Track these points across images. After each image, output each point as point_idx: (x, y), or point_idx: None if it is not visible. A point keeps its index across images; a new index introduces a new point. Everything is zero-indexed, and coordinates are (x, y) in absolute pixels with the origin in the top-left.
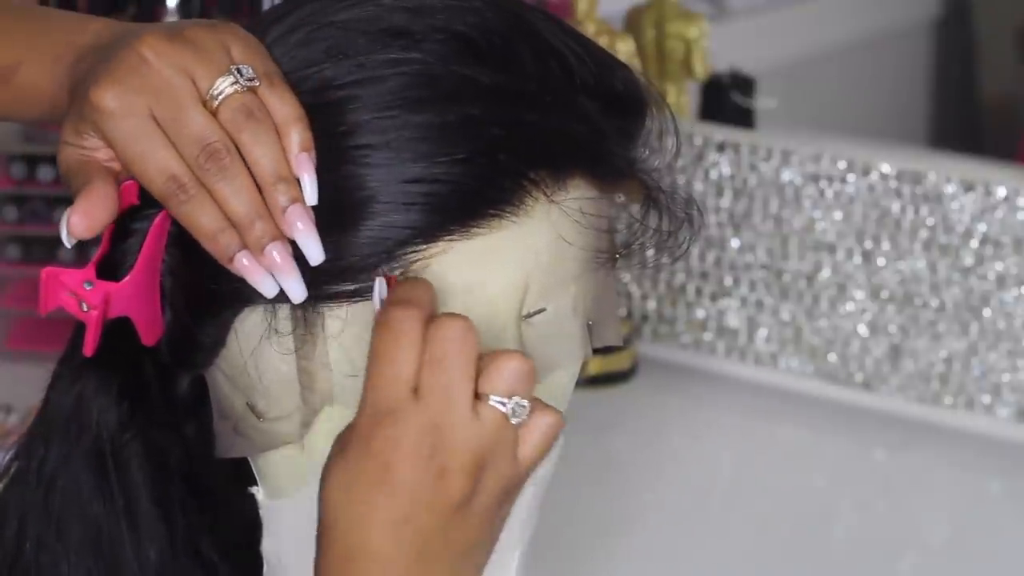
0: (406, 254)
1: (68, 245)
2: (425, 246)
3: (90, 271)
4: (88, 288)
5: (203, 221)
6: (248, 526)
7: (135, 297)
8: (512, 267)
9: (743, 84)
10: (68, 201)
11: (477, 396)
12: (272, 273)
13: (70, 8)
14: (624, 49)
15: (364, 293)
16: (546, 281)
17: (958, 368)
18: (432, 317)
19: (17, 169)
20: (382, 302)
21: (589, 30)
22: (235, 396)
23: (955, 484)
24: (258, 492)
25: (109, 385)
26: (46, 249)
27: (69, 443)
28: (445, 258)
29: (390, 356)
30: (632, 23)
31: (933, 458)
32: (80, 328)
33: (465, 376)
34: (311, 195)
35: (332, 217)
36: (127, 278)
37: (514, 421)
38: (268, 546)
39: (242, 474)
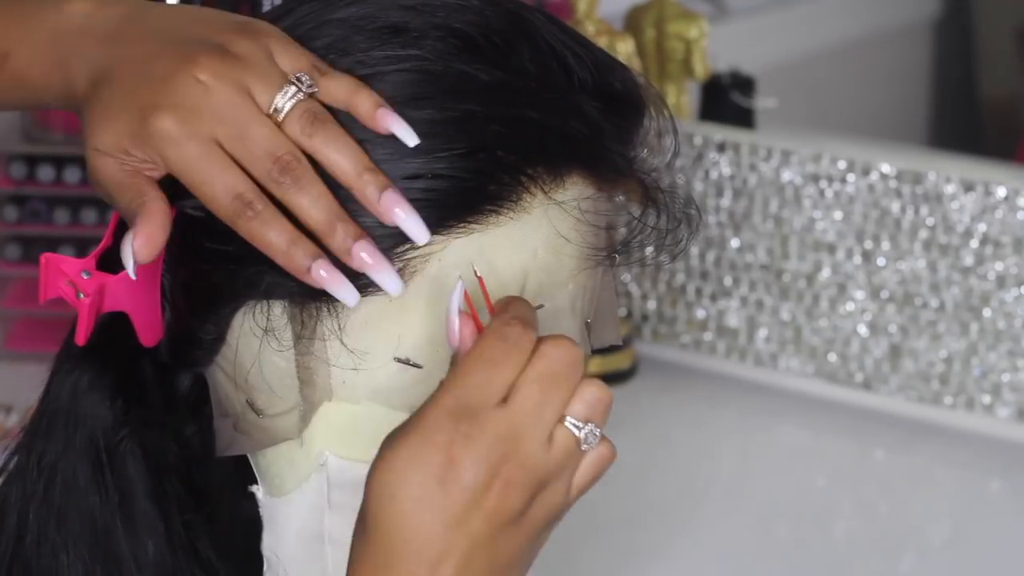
0: (405, 250)
1: (132, 274)
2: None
3: (90, 261)
4: (85, 277)
5: (272, 237)
6: (247, 527)
7: (134, 293)
8: (510, 263)
9: (743, 84)
10: (68, 201)
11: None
12: (365, 272)
13: None
14: (624, 49)
15: (363, 288)
16: (544, 278)
17: (958, 368)
18: (540, 336)
19: (17, 169)
20: (458, 309)
21: (589, 30)
22: (235, 394)
23: (955, 484)
24: (258, 491)
25: (103, 381)
26: (46, 249)
27: (67, 436)
28: (443, 254)
29: (494, 362)
30: (632, 23)
31: (933, 458)
32: (77, 320)
33: (564, 400)
34: (410, 138)
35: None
36: (125, 271)
37: (584, 448)
38: (268, 545)
39: (242, 474)
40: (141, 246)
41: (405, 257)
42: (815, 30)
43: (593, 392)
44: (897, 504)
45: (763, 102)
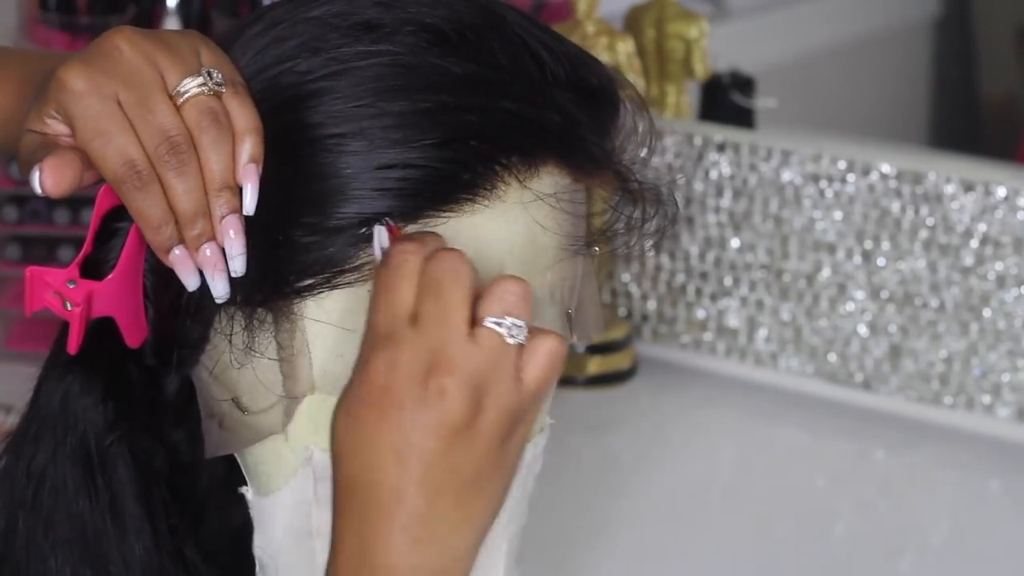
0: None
1: (38, 190)
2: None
3: (73, 270)
4: (71, 287)
5: (151, 211)
6: (236, 533)
7: (118, 296)
8: (486, 252)
9: (743, 84)
10: (67, 201)
11: (475, 321)
12: (202, 268)
13: (71, 6)
14: (624, 49)
15: (341, 280)
16: (521, 267)
17: (958, 368)
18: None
19: (17, 169)
20: (383, 251)
21: (589, 30)
22: (220, 393)
23: (955, 484)
24: (248, 492)
25: (93, 385)
26: (46, 249)
27: (56, 441)
28: None
29: (389, 287)
30: (632, 23)
31: (933, 458)
32: (66, 327)
33: (461, 302)
34: (250, 205)
35: (308, 206)
36: (110, 276)
37: (511, 341)
38: (259, 545)
39: (231, 480)
40: (47, 176)
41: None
42: (815, 30)
43: (506, 287)
44: (897, 504)
45: (763, 102)
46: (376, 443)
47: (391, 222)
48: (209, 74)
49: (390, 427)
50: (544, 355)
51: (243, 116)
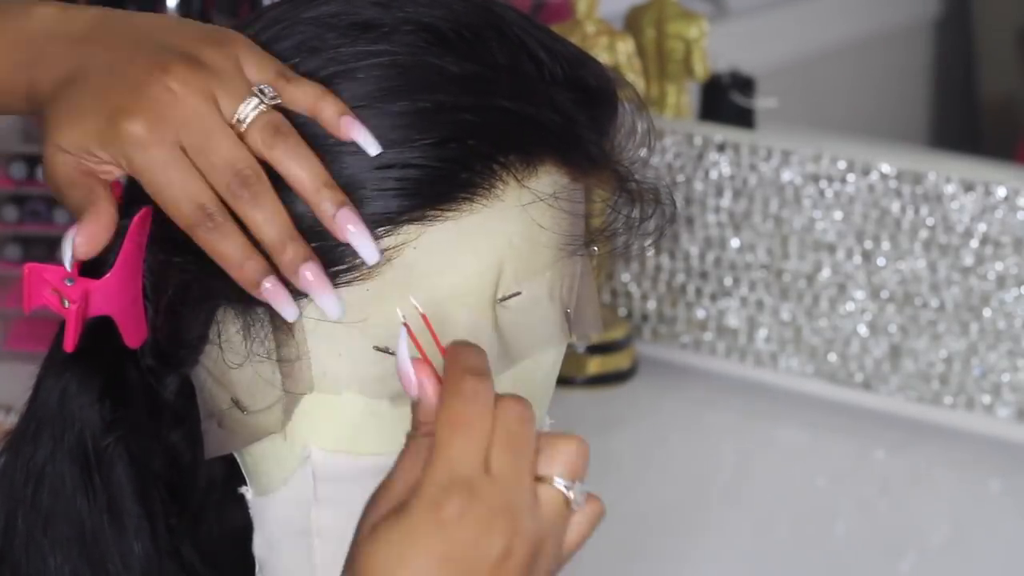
0: (379, 239)
1: (68, 267)
2: (398, 231)
3: (72, 268)
4: (69, 284)
5: (229, 250)
6: (235, 535)
7: (117, 295)
8: (485, 250)
9: (743, 84)
10: None
11: (539, 478)
12: (309, 292)
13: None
14: (624, 49)
15: (339, 280)
16: (520, 265)
17: (958, 368)
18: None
19: (17, 169)
20: (408, 356)
21: (589, 30)
22: (220, 392)
23: (955, 484)
24: (248, 492)
25: (90, 383)
26: (46, 249)
27: (54, 439)
28: (419, 242)
29: (468, 425)
30: (632, 23)
31: (933, 458)
32: (64, 326)
33: (531, 459)
34: (373, 146)
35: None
36: (108, 274)
37: (574, 508)
38: (259, 544)
39: (230, 481)
40: (83, 242)
41: (380, 246)
42: (815, 30)
43: (572, 448)
44: (897, 504)
45: (763, 102)
46: None
47: (417, 310)
48: (262, 91)
49: (449, 571)
50: (588, 523)
51: (305, 94)
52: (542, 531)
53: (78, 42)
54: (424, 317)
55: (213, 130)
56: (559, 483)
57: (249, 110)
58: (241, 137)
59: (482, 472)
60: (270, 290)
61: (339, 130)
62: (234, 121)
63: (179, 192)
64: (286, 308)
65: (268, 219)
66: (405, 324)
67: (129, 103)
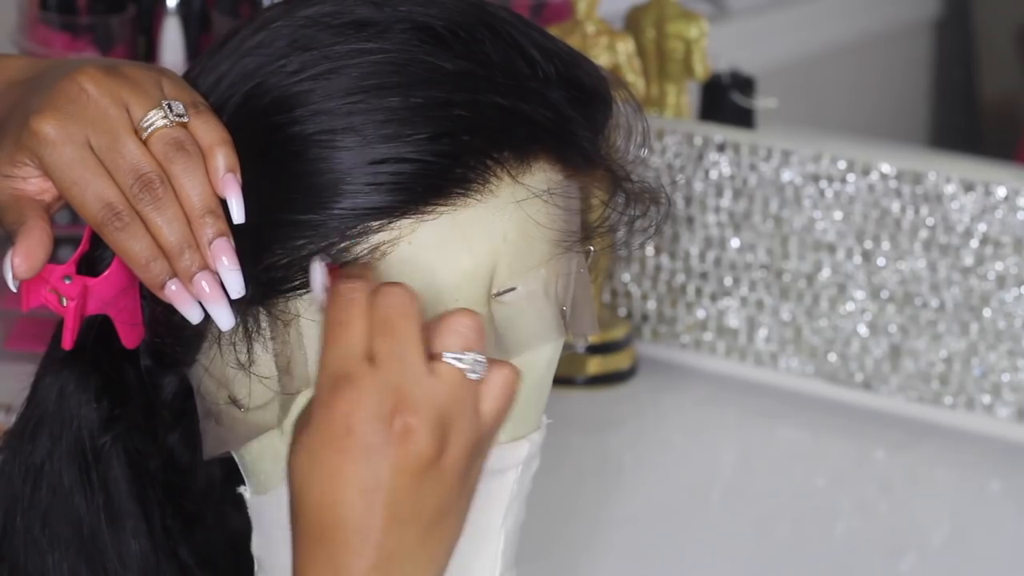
0: (374, 233)
1: (13, 288)
2: (392, 226)
3: (70, 267)
4: (67, 283)
5: (136, 249)
6: (233, 539)
7: (114, 294)
8: (479, 246)
9: (743, 84)
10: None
11: (432, 356)
12: (202, 301)
13: (71, 6)
14: (624, 49)
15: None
16: (515, 261)
17: (958, 368)
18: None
19: None
20: (323, 288)
21: (589, 30)
22: (217, 391)
23: (955, 484)
24: (246, 491)
25: (88, 382)
26: None
27: (52, 437)
28: (413, 237)
29: (342, 325)
30: (632, 23)
31: (933, 458)
32: (62, 324)
33: (415, 337)
34: (237, 214)
35: (301, 203)
36: (105, 273)
37: (472, 377)
38: (258, 544)
39: (228, 484)
40: (20, 261)
41: (374, 241)
42: (815, 30)
43: (461, 321)
44: (897, 504)
45: (763, 102)
46: (342, 482)
47: (328, 258)
48: (169, 106)
49: (357, 467)
50: (501, 388)
51: (208, 133)
52: (440, 405)
53: (26, 81)
54: (332, 267)
55: (120, 132)
56: (447, 356)
57: (155, 118)
58: (145, 144)
59: (363, 363)
60: (175, 292)
61: (217, 183)
62: (139, 127)
63: (87, 190)
64: (190, 311)
65: (168, 223)
66: (319, 259)
67: (42, 104)
